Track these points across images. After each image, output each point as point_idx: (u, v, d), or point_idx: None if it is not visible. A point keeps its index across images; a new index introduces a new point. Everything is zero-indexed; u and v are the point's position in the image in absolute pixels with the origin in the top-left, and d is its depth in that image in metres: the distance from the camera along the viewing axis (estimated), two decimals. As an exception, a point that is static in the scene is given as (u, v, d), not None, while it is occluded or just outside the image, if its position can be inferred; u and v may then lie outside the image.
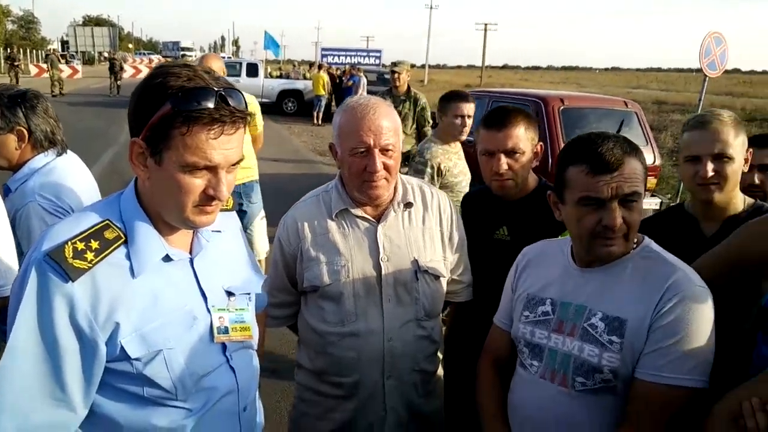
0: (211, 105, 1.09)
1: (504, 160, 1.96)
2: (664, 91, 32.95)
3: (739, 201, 1.90)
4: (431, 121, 6.30)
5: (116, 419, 1.16)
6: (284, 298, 1.86)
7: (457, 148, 3.63)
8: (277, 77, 24.13)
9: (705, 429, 1.20)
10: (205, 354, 1.24)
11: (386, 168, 1.65)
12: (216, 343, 1.26)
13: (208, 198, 1.16)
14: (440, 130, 3.65)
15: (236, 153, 1.15)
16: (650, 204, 5.95)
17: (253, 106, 4.58)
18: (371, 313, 1.71)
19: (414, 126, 5.97)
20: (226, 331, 1.28)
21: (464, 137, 3.58)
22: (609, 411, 1.38)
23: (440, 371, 1.92)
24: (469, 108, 3.49)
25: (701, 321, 1.32)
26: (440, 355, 1.91)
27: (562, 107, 6.32)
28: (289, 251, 1.79)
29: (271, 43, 20.50)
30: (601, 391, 1.38)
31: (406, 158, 6.06)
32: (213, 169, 1.14)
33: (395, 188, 1.78)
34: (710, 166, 1.81)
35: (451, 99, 3.53)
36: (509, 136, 1.96)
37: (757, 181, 2.21)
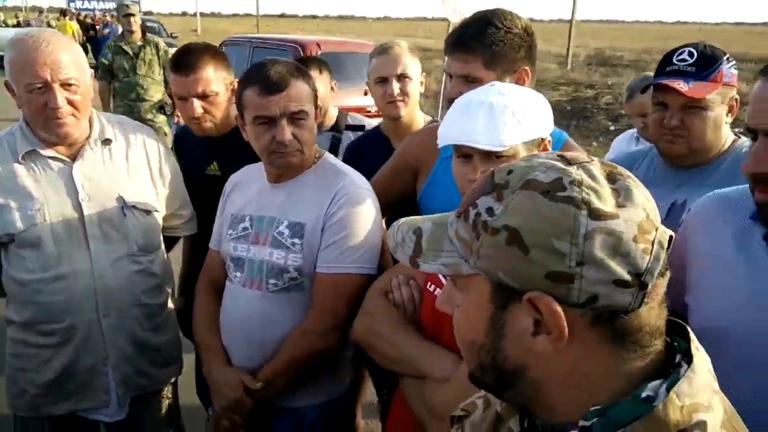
0: None
1: (198, 104, 1.91)
2: (429, 38, 35.60)
3: (421, 118, 2.24)
4: None
5: None
6: None
7: None
8: (14, 26, 20.72)
9: (364, 304, 1.44)
10: None
11: (71, 104, 1.60)
12: None
13: None
14: None
15: None
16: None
17: None
18: (76, 254, 1.68)
19: (161, 71, 5.65)
20: None
21: None
22: (299, 305, 1.58)
23: (170, 304, 1.96)
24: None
25: (363, 217, 1.55)
26: (168, 289, 1.95)
27: (319, 51, 6.54)
28: None
29: None
30: (291, 289, 1.57)
31: (161, 107, 5.75)
32: None
33: (90, 125, 1.73)
34: (396, 85, 2.11)
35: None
36: (198, 80, 1.89)
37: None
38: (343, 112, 2.80)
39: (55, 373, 1.73)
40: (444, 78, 1.55)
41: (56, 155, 1.67)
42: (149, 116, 5.49)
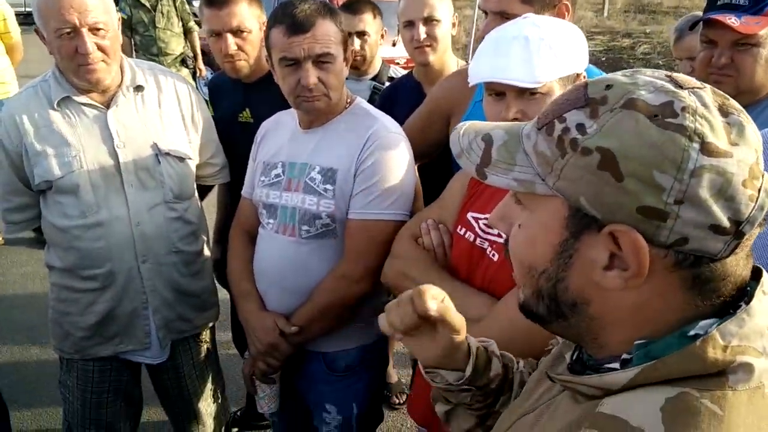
0: None
1: (232, 40, 1.90)
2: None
3: (453, 63, 2.17)
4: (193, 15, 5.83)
5: None
6: (20, 201, 1.77)
7: None
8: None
9: (393, 248, 1.43)
10: None
11: (101, 49, 1.59)
12: None
13: None
14: None
15: None
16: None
17: None
18: (114, 201, 1.70)
19: (180, 23, 5.56)
20: None
21: None
22: (332, 251, 1.58)
23: (206, 251, 1.99)
24: None
25: (396, 162, 1.52)
26: (204, 236, 1.97)
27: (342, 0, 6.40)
28: (12, 149, 1.68)
29: None
30: (324, 235, 1.56)
31: (183, 60, 5.70)
32: None
33: (122, 71, 1.72)
34: (422, 29, 2.03)
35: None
36: (233, 14, 1.88)
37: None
38: (386, 63, 2.73)
39: (97, 316, 1.78)
40: (475, 16, 1.48)
41: (90, 102, 1.68)
42: (173, 70, 5.45)
